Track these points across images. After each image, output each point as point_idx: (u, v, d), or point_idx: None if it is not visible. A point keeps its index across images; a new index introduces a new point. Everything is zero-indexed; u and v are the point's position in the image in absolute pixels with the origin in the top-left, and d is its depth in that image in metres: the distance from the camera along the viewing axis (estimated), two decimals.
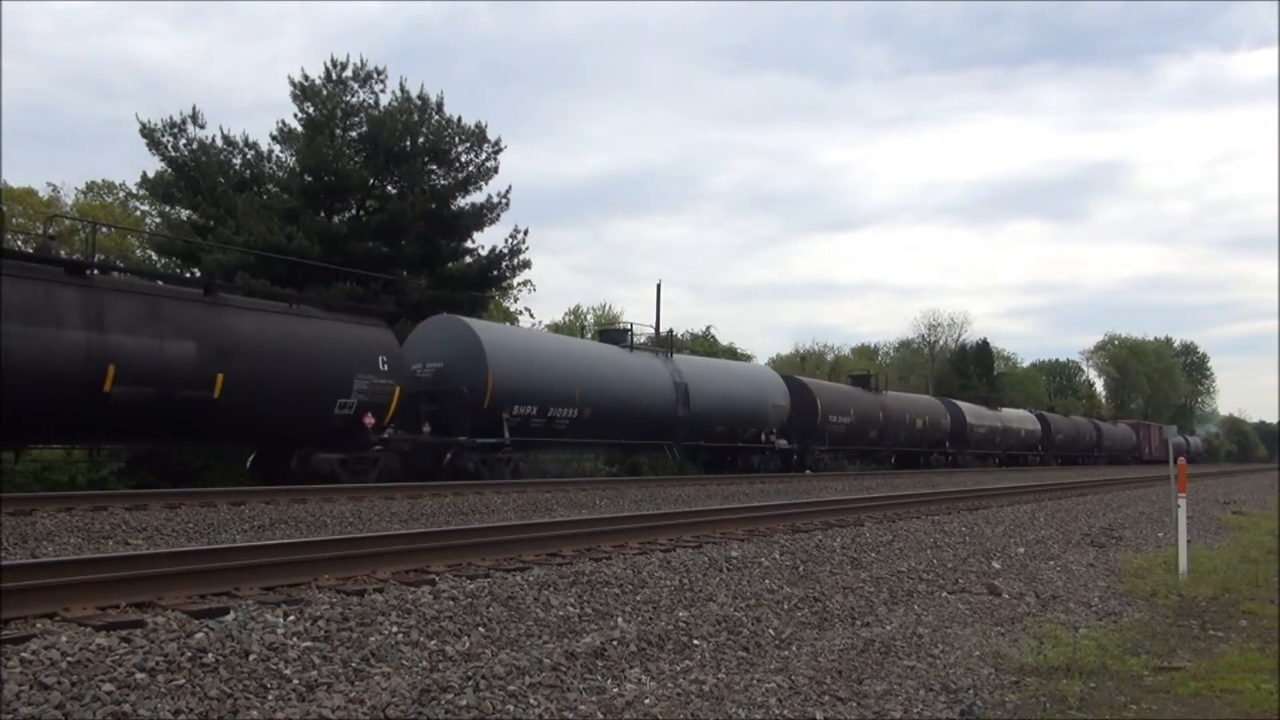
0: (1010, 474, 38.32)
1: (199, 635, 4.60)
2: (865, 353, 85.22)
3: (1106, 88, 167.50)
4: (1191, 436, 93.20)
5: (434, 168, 28.05)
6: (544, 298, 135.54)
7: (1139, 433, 73.38)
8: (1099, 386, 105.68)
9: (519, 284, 37.15)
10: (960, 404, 46.01)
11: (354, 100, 27.81)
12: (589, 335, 49.39)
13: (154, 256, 30.43)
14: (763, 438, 28.87)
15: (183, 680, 4.11)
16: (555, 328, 45.77)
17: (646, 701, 4.62)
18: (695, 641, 5.75)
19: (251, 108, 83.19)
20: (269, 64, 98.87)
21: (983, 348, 77.25)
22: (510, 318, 38.53)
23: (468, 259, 29.21)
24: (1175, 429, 13.16)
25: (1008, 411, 51.61)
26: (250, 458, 18.03)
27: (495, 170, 28.75)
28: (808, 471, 30.53)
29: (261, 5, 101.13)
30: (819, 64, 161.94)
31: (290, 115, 28.14)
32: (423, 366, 20.24)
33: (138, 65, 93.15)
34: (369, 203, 27.44)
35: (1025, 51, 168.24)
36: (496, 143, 28.57)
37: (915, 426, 39.49)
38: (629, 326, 27.10)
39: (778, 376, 32.19)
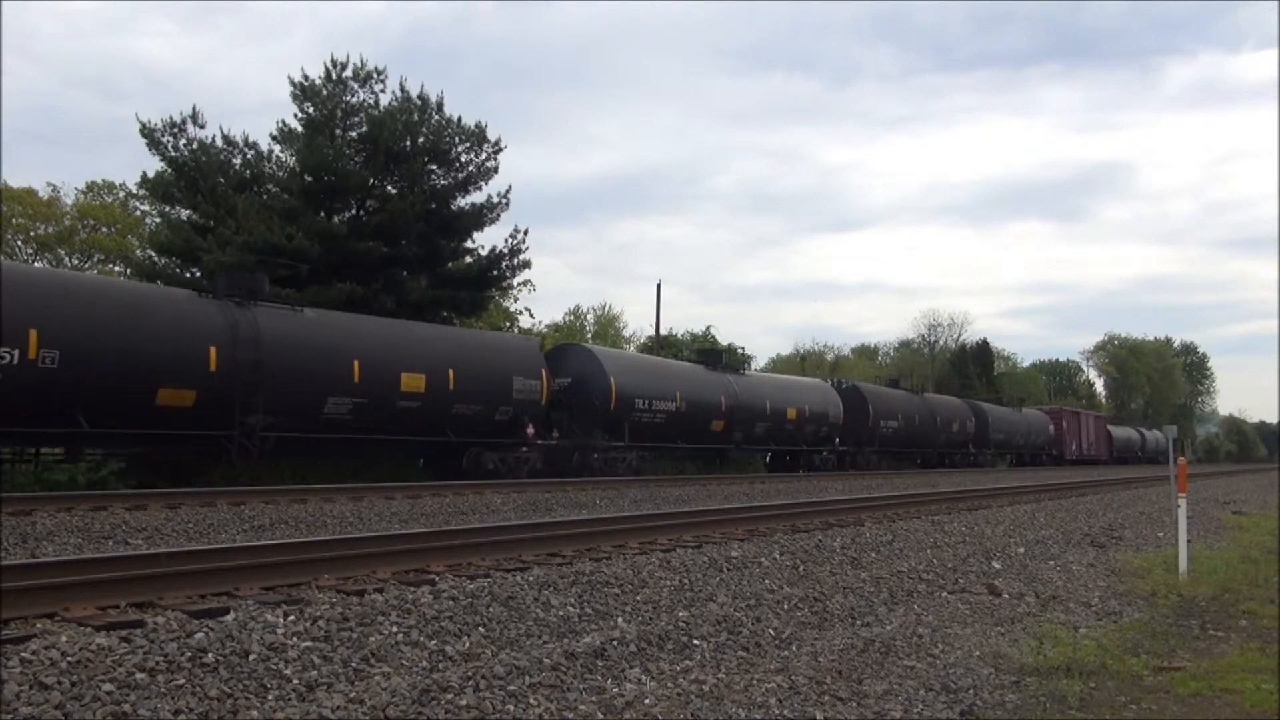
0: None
1: (199, 635, 4.60)
2: (866, 353, 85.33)
3: (1111, 88, 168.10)
4: (1150, 431, 76.36)
5: (434, 168, 28.03)
6: (544, 298, 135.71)
7: (1060, 423, 54.55)
8: (1099, 386, 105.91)
9: (519, 284, 37.16)
10: (613, 355, 26.98)
11: (354, 100, 27.82)
12: (590, 334, 50.98)
13: (154, 256, 30.42)
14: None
15: (183, 680, 4.11)
16: (556, 328, 46.58)
17: (646, 701, 4.62)
18: (695, 641, 5.75)
19: (258, 108, 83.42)
20: (275, 64, 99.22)
21: (983, 348, 77.31)
22: (510, 317, 38.53)
23: (468, 259, 29.20)
24: (1175, 428, 13.13)
25: (763, 379, 31.57)
26: None
27: (495, 170, 28.78)
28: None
29: (268, 6, 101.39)
30: (824, 64, 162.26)
31: (292, 115, 28.20)
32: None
33: (143, 66, 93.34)
34: (369, 203, 27.42)
35: (1030, 52, 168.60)
36: (496, 142, 28.60)
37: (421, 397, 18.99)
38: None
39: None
